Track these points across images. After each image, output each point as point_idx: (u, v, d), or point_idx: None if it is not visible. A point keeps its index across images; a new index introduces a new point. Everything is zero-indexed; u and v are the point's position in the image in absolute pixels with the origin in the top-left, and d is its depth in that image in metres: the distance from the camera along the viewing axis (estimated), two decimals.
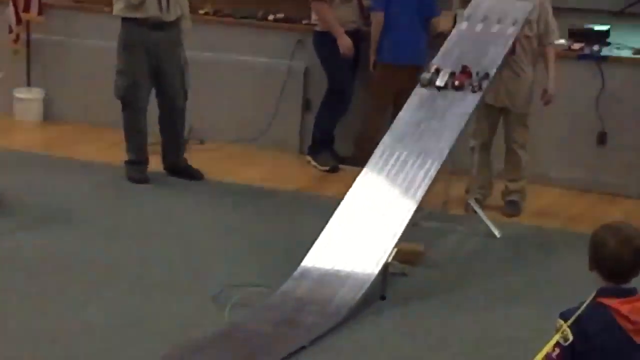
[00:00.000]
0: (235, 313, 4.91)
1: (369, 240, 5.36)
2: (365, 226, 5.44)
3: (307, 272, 5.23)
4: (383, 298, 5.23)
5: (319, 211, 6.01)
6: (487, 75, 6.01)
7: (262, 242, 6.10)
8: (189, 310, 4.98)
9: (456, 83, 5.99)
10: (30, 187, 6.85)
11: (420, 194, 5.59)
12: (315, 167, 7.85)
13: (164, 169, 7.36)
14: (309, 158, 7.95)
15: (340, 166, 7.78)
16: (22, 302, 4.97)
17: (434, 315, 5.14)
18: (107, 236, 6.04)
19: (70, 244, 5.88)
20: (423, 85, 6.07)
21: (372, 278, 5.15)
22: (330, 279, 5.15)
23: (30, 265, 5.50)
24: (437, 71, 6.09)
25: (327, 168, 7.79)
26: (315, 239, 5.47)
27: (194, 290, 5.25)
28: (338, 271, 5.20)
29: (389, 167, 5.80)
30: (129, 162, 7.21)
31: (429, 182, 5.64)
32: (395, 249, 5.29)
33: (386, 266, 5.23)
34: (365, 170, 5.84)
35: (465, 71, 6.04)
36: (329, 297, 5.02)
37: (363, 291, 5.07)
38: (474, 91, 5.94)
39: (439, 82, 6.00)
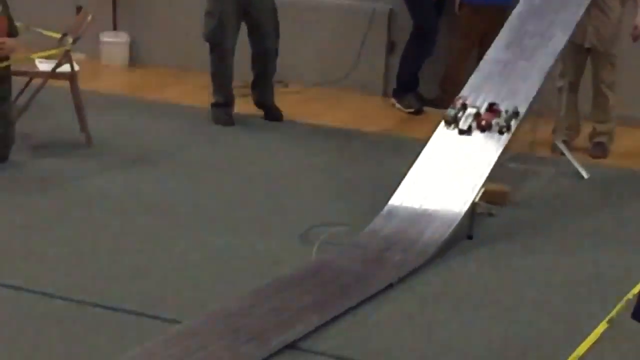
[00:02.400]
0: (322, 251, 4.94)
1: (456, 180, 5.35)
2: (451, 167, 5.43)
3: (394, 211, 5.24)
4: (470, 237, 5.23)
5: (404, 153, 6.02)
6: (516, 113, 5.48)
7: (348, 182, 6.13)
8: (277, 249, 5.03)
9: (482, 123, 5.44)
10: (118, 129, 6.95)
11: (507, 135, 5.54)
12: (399, 109, 7.84)
13: (254, 103, 7.40)
14: (393, 100, 7.93)
15: (425, 108, 7.76)
16: (113, 240, 5.05)
17: (520, 254, 5.12)
18: (194, 177, 6.11)
19: (158, 184, 5.96)
20: (447, 123, 5.52)
21: (460, 217, 5.15)
22: (417, 218, 5.16)
23: (119, 204, 5.59)
24: (464, 107, 5.56)
25: (411, 110, 7.78)
26: (401, 179, 5.47)
27: (281, 229, 5.29)
28: (425, 210, 5.20)
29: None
30: (214, 105, 7.27)
31: (516, 124, 5.60)
32: (482, 189, 5.28)
33: (473, 206, 5.22)
34: None
35: (492, 109, 5.51)
36: (416, 235, 5.03)
37: (450, 230, 5.07)
38: (501, 133, 5.41)
39: (462, 125, 5.45)
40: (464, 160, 5.42)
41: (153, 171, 6.17)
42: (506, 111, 5.45)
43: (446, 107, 5.87)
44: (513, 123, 5.43)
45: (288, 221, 5.41)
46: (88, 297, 4.31)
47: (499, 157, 5.46)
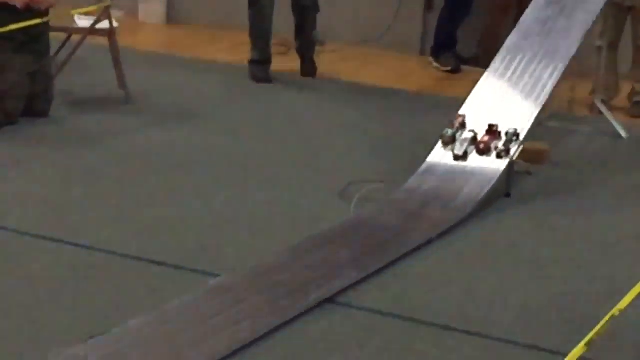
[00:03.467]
0: (360, 208, 4.96)
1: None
2: (489, 124, 5.41)
3: (432, 168, 5.25)
4: (508, 195, 5.23)
5: (442, 111, 6.02)
6: (516, 135, 5.17)
7: (385, 140, 6.14)
8: (315, 205, 5.05)
9: (481, 147, 5.13)
10: (156, 86, 6.97)
11: (545, 93, 5.53)
12: (437, 68, 7.82)
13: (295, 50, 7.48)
14: (430, 59, 7.91)
15: (463, 67, 7.73)
16: (153, 194, 5.09)
17: (558, 213, 5.12)
18: (232, 133, 6.13)
19: (196, 140, 5.99)
20: (444, 144, 5.25)
21: (498, 175, 5.15)
22: (455, 175, 5.16)
23: (159, 160, 5.62)
24: (463, 126, 5.29)
25: (449, 69, 7.76)
26: (439, 137, 5.47)
27: (318, 186, 5.31)
28: (464, 167, 5.20)
29: (513, 67, 5.75)
30: (252, 62, 7.28)
31: (555, 82, 5.58)
32: (521, 147, 5.27)
33: (511, 164, 5.21)
34: (488, 70, 5.79)
35: (491, 131, 5.20)
36: (454, 192, 5.04)
37: (488, 188, 5.07)
38: (499, 157, 5.11)
39: (458, 150, 5.15)
40: (502, 118, 5.40)
41: (191, 128, 6.20)
42: (506, 133, 5.15)
43: (485, 66, 5.85)
44: (513, 146, 5.12)
45: (325, 178, 5.43)
46: (128, 250, 4.35)
47: (538, 116, 5.44)
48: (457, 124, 5.25)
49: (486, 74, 5.77)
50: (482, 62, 6.34)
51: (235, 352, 3.46)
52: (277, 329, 3.67)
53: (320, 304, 3.89)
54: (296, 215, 4.91)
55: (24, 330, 3.61)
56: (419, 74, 7.74)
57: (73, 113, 6.36)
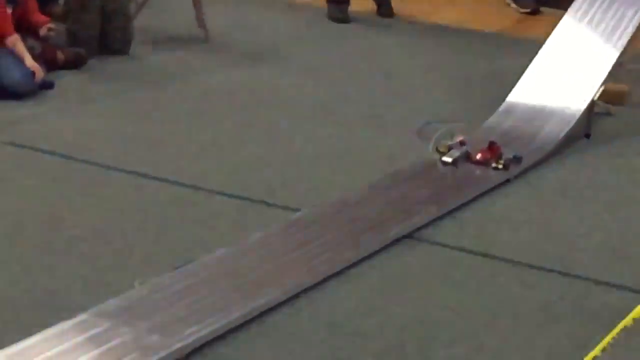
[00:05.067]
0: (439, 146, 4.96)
1: (574, 78, 5.31)
2: (570, 65, 5.39)
3: (512, 108, 5.24)
4: (588, 136, 5.20)
5: (520, 52, 5.98)
6: (518, 159, 4.71)
7: (463, 80, 6.12)
8: (393, 144, 5.07)
9: (477, 158, 4.67)
10: (235, 25, 7.02)
11: (626, 35, 5.47)
12: (515, 9, 7.74)
13: None
14: (509, 0, 7.83)
15: (542, 9, 7.65)
16: (233, 132, 5.15)
17: (638, 154, 5.08)
18: (310, 73, 6.16)
19: (275, 79, 6.03)
20: (440, 152, 4.73)
21: (578, 115, 5.12)
22: (535, 115, 5.15)
23: (238, 98, 5.67)
24: (462, 144, 4.77)
25: (528, 10, 7.68)
26: (517, 79, 5.45)
27: (397, 125, 5.33)
28: (544, 107, 5.18)
29: (594, 9, 5.69)
30: (331, 2, 7.28)
31: (636, 24, 5.51)
32: (602, 88, 5.23)
33: (592, 104, 5.18)
34: (569, 12, 5.74)
35: (491, 148, 4.74)
36: (534, 132, 5.03)
37: (568, 128, 5.06)
38: (496, 169, 4.63)
39: (447, 157, 4.66)
40: (585, 58, 5.36)
41: (270, 67, 6.24)
42: (507, 158, 4.67)
43: (565, 8, 5.79)
44: (512, 168, 4.65)
45: (404, 117, 5.44)
46: (210, 185, 4.42)
47: (619, 57, 5.39)
48: (456, 140, 4.75)
49: (566, 16, 5.72)
50: (562, 3, 6.26)
51: (315, 285, 3.51)
52: (357, 263, 3.71)
53: (399, 240, 3.93)
54: (375, 153, 4.94)
55: (112, 260, 3.70)
56: (497, 15, 7.68)
57: (152, 52, 6.42)
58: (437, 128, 5.11)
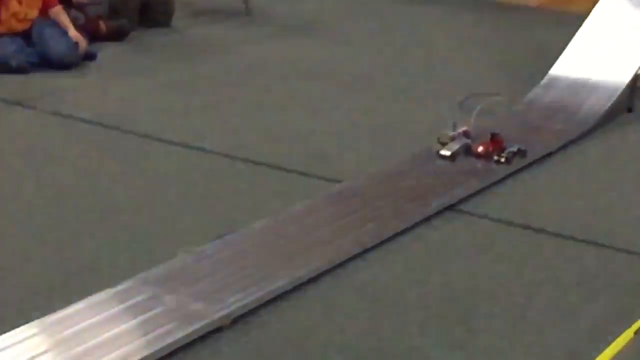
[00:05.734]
0: (481, 119, 4.95)
1: (617, 52, 5.28)
2: (613, 39, 5.35)
3: (554, 81, 5.22)
4: (630, 110, 5.17)
5: (562, 27, 5.95)
6: (522, 152, 4.45)
7: (504, 54, 6.11)
8: (435, 116, 5.06)
9: (479, 150, 4.40)
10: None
11: None
12: None
13: None
14: None
15: None
16: (275, 103, 5.17)
17: None
18: (351, 45, 6.17)
19: (316, 51, 6.04)
20: (441, 144, 4.44)
21: (620, 89, 5.10)
22: (577, 89, 5.13)
23: (279, 70, 5.69)
24: (466, 135, 4.50)
25: None
26: (558, 53, 5.42)
27: (439, 98, 5.32)
28: (586, 81, 5.16)
29: None
30: None
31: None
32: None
33: (635, 78, 5.16)
34: None
35: (494, 140, 4.47)
36: (576, 105, 5.02)
37: (611, 102, 5.03)
38: (498, 162, 4.36)
39: (445, 150, 4.38)
40: (628, 32, 5.33)
41: (311, 39, 6.25)
42: (510, 151, 4.41)
43: None
44: (516, 161, 4.40)
45: (446, 89, 5.44)
46: (252, 155, 4.44)
47: None
48: (460, 130, 4.50)
49: None
50: None
51: (359, 255, 3.53)
52: (400, 233, 3.72)
53: (442, 211, 3.93)
54: (416, 125, 4.94)
55: (155, 228, 3.73)
56: None
57: (194, 24, 6.46)
58: (478, 101, 5.10)
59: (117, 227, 3.73)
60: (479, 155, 4.37)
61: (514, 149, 4.39)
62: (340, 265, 3.44)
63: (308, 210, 3.86)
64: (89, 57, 5.73)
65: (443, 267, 3.52)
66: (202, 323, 2.97)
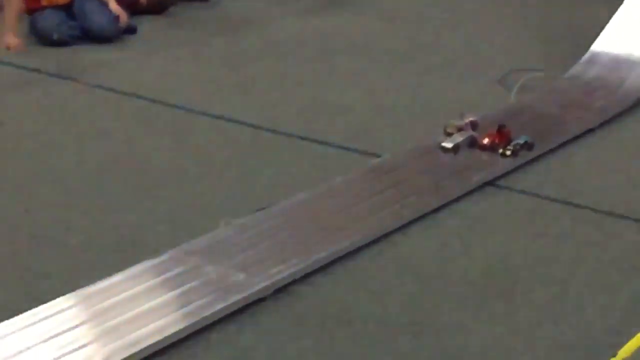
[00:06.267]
0: (521, 95, 4.94)
1: None
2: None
3: (596, 57, 5.19)
4: None
5: (605, 2, 5.89)
6: (529, 144, 4.22)
7: (545, 29, 6.07)
8: (475, 92, 5.05)
9: (484, 142, 4.19)
10: None
11: None
12: None
13: None
14: None
15: None
16: (314, 78, 5.18)
17: None
18: (390, 21, 6.17)
19: (354, 27, 6.04)
20: (447, 134, 4.25)
21: None
22: (619, 65, 5.10)
23: (318, 45, 5.69)
24: (473, 125, 4.29)
25: None
26: (601, 29, 5.38)
27: (479, 74, 5.31)
28: (628, 57, 5.13)
29: None
30: None
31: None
32: None
33: None
34: None
35: (501, 132, 4.24)
36: (617, 82, 4.98)
37: None
38: (503, 155, 4.13)
39: (447, 142, 4.16)
40: None
41: (351, 14, 6.25)
42: (517, 144, 4.19)
43: None
44: (522, 154, 4.18)
45: (485, 65, 5.42)
46: (291, 129, 4.45)
47: None
48: (467, 121, 4.28)
49: None
50: None
51: (397, 229, 3.53)
52: (439, 209, 3.72)
53: (482, 186, 3.92)
54: (455, 101, 4.92)
55: (196, 201, 3.75)
56: None
57: None
58: (518, 77, 5.09)
59: (159, 198, 3.75)
60: (484, 148, 4.17)
61: (521, 141, 4.18)
62: (380, 239, 3.45)
63: (348, 184, 3.86)
64: (130, 30, 5.76)
65: (483, 242, 3.52)
66: (243, 294, 2.99)
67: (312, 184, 3.83)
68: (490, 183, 3.97)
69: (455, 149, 4.13)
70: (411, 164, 4.09)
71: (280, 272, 3.12)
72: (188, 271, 3.12)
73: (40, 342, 2.72)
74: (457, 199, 3.81)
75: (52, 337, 2.74)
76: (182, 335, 2.82)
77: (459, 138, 4.17)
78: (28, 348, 2.70)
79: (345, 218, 3.55)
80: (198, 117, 4.58)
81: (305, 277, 3.17)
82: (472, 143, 4.19)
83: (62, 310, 2.88)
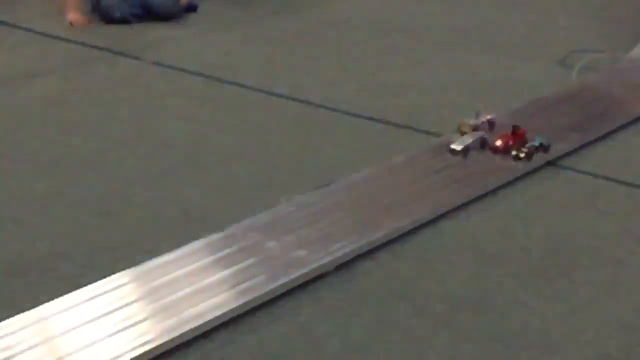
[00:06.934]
0: (582, 76, 4.91)
1: None
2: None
3: None
4: None
5: None
6: (545, 147, 3.95)
7: (607, 10, 6.02)
8: (535, 72, 5.03)
9: (497, 144, 3.93)
10: None
11: None
12: None
13: None
14: None
15: None
16: (373, 57, 5.21)
17: None
18: (447, 1, 6.13)
19: (413, 6, 6.04)
20: (462, 133, 4.02)
21: None
22: None
23: (376, 25, 5.71)
24: (491, 125, 4.08)
25: None
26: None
27: (539, 54, 5.28)
28: None
29: None
30: None
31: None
32: None
33: None
34: None
35: (516, 133, 3.99)
36: None
37: None
38: (517, 157, 3.88)
39: (456, 144, 3.91)
40: None
41: None
42: (532, 145, 3.93)
43: None
44: (536, 157, 3.92)
45: (546, 46, 5.40)
46: (352, 108, 4.46)
47: None
48: (483, 119, 4.08)
49: None
50: None
51: (459, 207, 3.53)
52: (500, 188, 3.71)
53: (543, 166, 3.91)
54: (517, 81, 4.91)
55: (256, 177, 3.78)
56: None
57: None
58: (580, 57, 5.06)
59: (220, 175, 3.78)
60: (496, 150, 3.92)
61: (536, 143, 3.93)
62: (441, 217, 3.45)
63: (408, 162, 3.86)
64: (191, 8, 5.80)
65: (544, 221, 3.51)
66: (304, 270, 3.01)
67: (372, 162, 3.84)
68: (552, 163, 3.95)
69: (465, 151, 3.90)
70: (472, 143, 4.06)
71: (341, 248, 3.13)
72: (251, 246, 3.14)
73: (97, 318, 2.74)
74: (518, 179, 3.79)
75: (109, 313, 2.77)
76: (245, 309, 2.84)
77: (468, 139, 3.93)
78: (86, 322, 2.72)
79: (407, 195, 3.56)
80: (258, 94, 4.61)
81: (367, 253, 3.18)
82: (484, 144, 3.95)
83: (116, 287, 2.89)
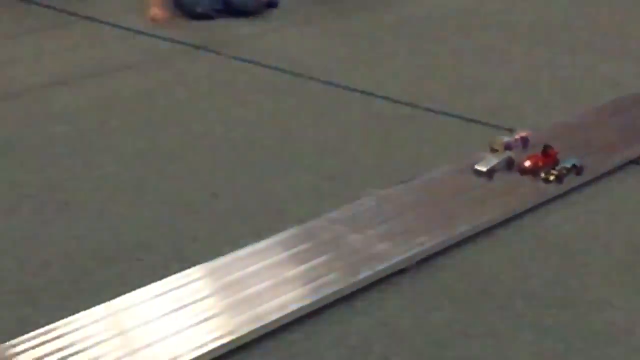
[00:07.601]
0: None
1: None
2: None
3: None
4: None
5: None
6: (578, 168, 3.69)
7: None
8: (617, 70, 4.99)
9: (525, 165, 3.67)
10: None
11: None
12: None
13: None
14: None
15: None
16: (453, 54, 5.21)
17: None
18: None
19: (495, 3, 6.03)
20: (492, 150, 3.79)
21: None
22: None
23: (455, 21, 5.70)
24: (525, 142, 3.85)
25: None
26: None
27: (624, 52, 5.24)
28: None
29: None
30: None
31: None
32: None
33: None
34: None
35: (546, 153, 3.73)
36: None
37: None
38: (546, 180, 3.62)
39: (482, 165, 3.66)
40: None
41: None
42: (563, 167, 3.68)
43: None
44: (567, 179, 3.66)
45: (627, 44, 5.36)
46: (432, 104, 4.46)
47: None
48: (517, 137, 3.87)
49: None
50: None
51: (539, 205, 3.51)
52: (581, 186, 3.68)
53: (625, 165, 3.88)
54: (597, 79, 4.87)
55: (338, 172, 3.80)
56: None
57: None
58: None
59: (302, 169, 3.81)
60: (524, 171, 3.66)
61: (568, 165, 3.68)
62: (523, 214, 3.44)
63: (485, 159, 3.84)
64: (271, 4, 5.84)
65: (626, 220, 3.48)
66: (387, 263, 3.03)
67: (454, 158, 3.84)
68: (635, 162, 3.91)
69: (490, 172, 3.64)
70: (554, 141, 4.02)
71: (424, 243, 3.14)
72: (334, 239, 3.17)
73: (172, 311, 2.77)
74: (600, 177, 3.77)
75: (184, 306, 2.80)
76: (328, 301, 2.86)
77: (494, 160, 3.67)
78: (163, 315, 2.76)
79: (487, 193, 3.55)
80: (339, 90, 4.63)
81: (449, 248, 3.19)
82: (511, 164, 3.70)
83: (189, 282, 2.92)
